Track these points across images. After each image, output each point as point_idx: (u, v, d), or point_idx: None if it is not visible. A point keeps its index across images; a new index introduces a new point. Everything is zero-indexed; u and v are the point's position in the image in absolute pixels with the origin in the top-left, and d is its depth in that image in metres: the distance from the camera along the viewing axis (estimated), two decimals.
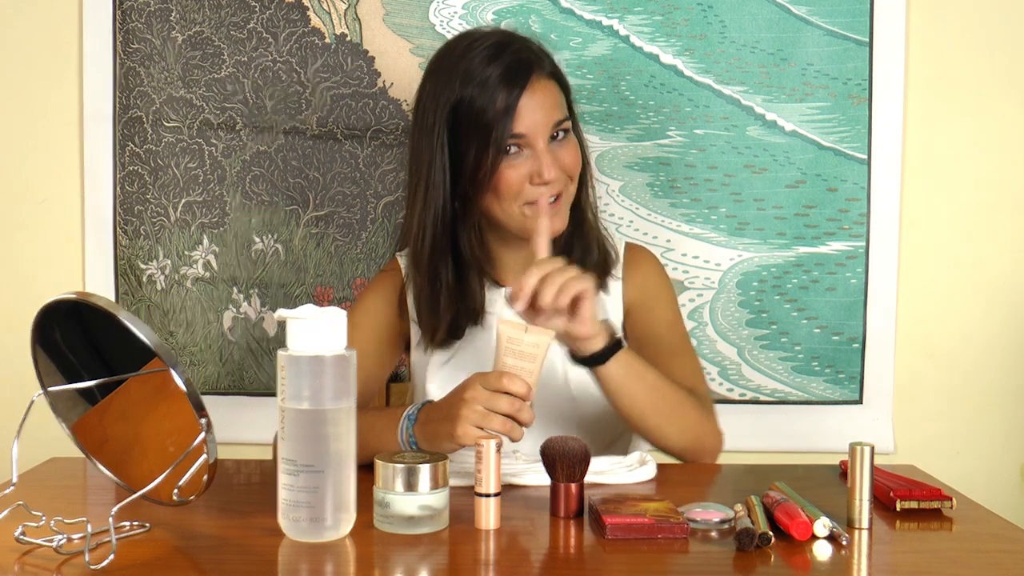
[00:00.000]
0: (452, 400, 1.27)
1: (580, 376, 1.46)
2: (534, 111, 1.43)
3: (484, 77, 1.42)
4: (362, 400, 1.31)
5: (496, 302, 1.53)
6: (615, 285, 1.57)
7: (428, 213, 1.46)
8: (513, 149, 1.43)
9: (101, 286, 1.97)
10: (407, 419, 1.32)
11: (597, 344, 1.33)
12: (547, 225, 1.36)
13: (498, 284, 1.54)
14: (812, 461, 1.53)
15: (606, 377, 1.36)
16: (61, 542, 1.06)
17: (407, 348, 1.60)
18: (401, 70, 1.92)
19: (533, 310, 1.29)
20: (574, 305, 1.29)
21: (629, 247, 1.61)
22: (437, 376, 1.52)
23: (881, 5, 1.91)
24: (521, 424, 1.24)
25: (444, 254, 1.48)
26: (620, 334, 1.36)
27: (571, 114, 1.50)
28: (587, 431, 1.49)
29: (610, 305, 1.56)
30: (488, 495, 1.14)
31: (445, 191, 1.46)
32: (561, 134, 1.46)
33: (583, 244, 1.52)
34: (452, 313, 1.49)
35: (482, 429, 1.22)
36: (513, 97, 1.42)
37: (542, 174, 1.42)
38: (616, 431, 1.54)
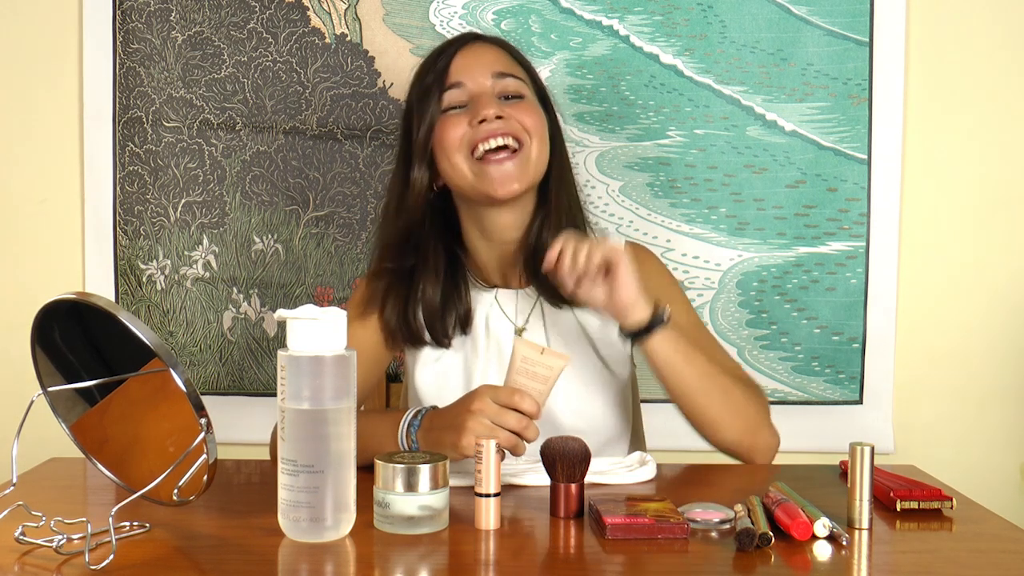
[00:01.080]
0: (459, 410, 1.27)
1: (571, 369, 1.45)
2: (469, 61, 1.46)
3: (437, 50, 1.49)
4: (358, 399, 1.30)
5: (481, 300, 1.53)
6: None
7: (392, 197, 1.51)
8: (456, 109, 1.45)
9: (101, 286, 1.97)
10: (409, 425, 1.32)
11: (639, 314, 1.35)
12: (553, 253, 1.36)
13: (486, 285, 1.54)
14: (812, 461, 1.53)
15: (651, 353, 1.37)
16: (61, 542, 1.06)
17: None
18: (401, 70, 1.92)
19: (571, 280, 1.33)
20: (609, 271, 1.32)
21: (629, 247, 1.60)
22: (427, 372, 1.52)
23: (881, 5, 1.91)
24: (526, 441, 1.24)
25: (405, 233, 1.50)
26: (666, 310, 1.36)
27: (543, 101, 1.51)
28: (580, 428, 1.49)
29: None
30: (488, 495, 1.14)
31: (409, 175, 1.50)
32: (512, 95, 1.46)
33: (557, 229, 1.48)
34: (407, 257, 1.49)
35: None
36: (448, 56, 1.47)
37: (479, 112, 1.43)
38: (609, 433, 1.53)
